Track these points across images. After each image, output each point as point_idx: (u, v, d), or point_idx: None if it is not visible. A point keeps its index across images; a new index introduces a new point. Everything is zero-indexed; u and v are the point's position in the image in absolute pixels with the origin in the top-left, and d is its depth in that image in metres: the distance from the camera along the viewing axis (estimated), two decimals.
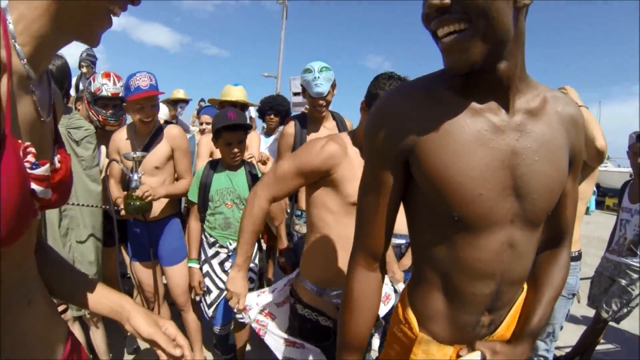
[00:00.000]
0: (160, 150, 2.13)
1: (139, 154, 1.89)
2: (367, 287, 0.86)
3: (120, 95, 2.20)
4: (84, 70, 3.81)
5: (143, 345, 2.62)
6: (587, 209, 2.38)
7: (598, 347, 2.97)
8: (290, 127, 2.28)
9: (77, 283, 0.78)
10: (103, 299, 0.77)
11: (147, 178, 2.02)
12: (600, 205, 13.71)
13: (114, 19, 0.59)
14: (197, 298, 2.16)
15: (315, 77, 2.12)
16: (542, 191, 0.76)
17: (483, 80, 0.71)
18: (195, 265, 2.12)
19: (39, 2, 0.52)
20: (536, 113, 0.76)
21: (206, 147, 2.49)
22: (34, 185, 0.52)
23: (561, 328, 2.12)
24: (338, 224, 1.35)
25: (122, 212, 1.97)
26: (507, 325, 0.88)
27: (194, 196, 2.06)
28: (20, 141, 0.50)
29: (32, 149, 0.52)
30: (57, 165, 0.64)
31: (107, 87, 2.19)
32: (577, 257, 2.05)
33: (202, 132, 3.28)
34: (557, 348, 2.91)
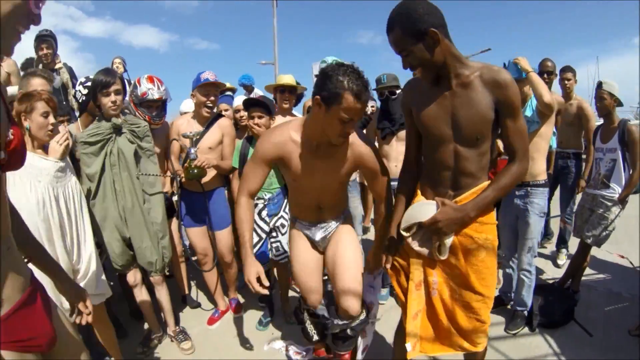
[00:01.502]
0: (214, 135, 2.70)
1: (195, 132, 2.52)
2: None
3: (163, 98, 2.67)
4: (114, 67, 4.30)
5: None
6: (550, 146, 2.86)
7: (589, 277, 3.43)
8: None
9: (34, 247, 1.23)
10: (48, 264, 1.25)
11: (201, 155, 2.56)
12: None
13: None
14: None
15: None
16: (466, 124, 1.43)
17: (435, 75, 1.46)
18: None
19: None
20: (466, 84, 1.42)
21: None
22: None
23: (538, 244, 2.61)
24: (294, 189, 1.93)
25: (183, 179, 2.55)
26: (464, 199, 1.49)
27: (235, 163, 2.69)
28: None
29: None
30: (11, 137, 0.93)
31: (153, 92, 2.58)
32: (544, 185, 2.55)
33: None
34: (553, 279, 3.36)
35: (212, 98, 2.62)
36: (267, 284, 1.63)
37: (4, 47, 0.86)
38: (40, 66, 3.64)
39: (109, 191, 2.23)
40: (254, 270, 1.64)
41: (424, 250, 1.54)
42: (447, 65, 1.41)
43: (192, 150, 2.47)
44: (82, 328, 2.08)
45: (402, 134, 2.64)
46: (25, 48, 3.90)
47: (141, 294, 2.47)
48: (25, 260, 1.16)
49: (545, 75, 3.07)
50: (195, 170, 2.45)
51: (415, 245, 1.55)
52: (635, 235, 4.73)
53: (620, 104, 2.95)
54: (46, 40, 3.68)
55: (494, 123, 1.43)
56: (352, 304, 1.85)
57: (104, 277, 2.11)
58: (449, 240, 1.49)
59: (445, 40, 1.38)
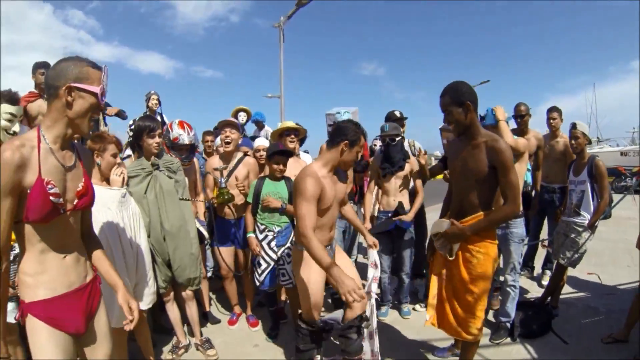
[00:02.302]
0: (241, 171, 3.23)
1: (223, 166, 3.14)
2: None
3: (192, 142, 3.07)
4: (151, 103, 4.77)
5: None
6: (525, 181, 3.37)
7: (569, 295, 3.84)
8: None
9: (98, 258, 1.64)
10: (106, 273, 1.63)
11: (232, 189, 3.10)
12: None
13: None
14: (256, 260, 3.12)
15: (341, 116, 3.42)
16: (469, 173, 2.13)
17: (461, 133, 2.17)
18: (253, 235, 3.09)
19: (59, 120, 1.36)
20: (475, 145, 2.11)
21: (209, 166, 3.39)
22: (52, 197, 1.30)
23: (520, 264, 3.05)
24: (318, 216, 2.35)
25: (215, 203, 3.09)
26: (465, 222, 2.16)
27: (250, 198, 3.09)
28: (44, 178, 1.29)
29: (51, 181, 1.31)
30: (80, 187, 1.43)
31: (183, 137, 2.97)
32: (520, 215, 3.00)
33: (207, 153, 4.46)
34: (536, 297, 3.76)
35: (228, 134, 3.14)
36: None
37: (84, 133, 1.42)
38: None
39: (154, 218, 2.61)
40: (351, 281, 1.89)
41: (442, 251, 2.29)
42: (470, 129, 2.14)
43: (222, 180, 3.00)
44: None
45: (400, 173, 3.34)
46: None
47: (173, 308, 2.85)
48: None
49: (519, 119, 3.58)
50: (226, 196, 2.94)
51: (437, 246, 2.31)
52: (619, 257, 5.17)
53: (590, 142, 3.42)
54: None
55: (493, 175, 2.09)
56: (357, 306, 2.35)
57: (154, 289, 2.54)
58: (455, 247, 2.23)
59: (473, 113, 2.11)
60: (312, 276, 2.37)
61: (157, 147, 2.65)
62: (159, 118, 3.87)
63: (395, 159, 3.32)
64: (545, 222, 4.31)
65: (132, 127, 2.93)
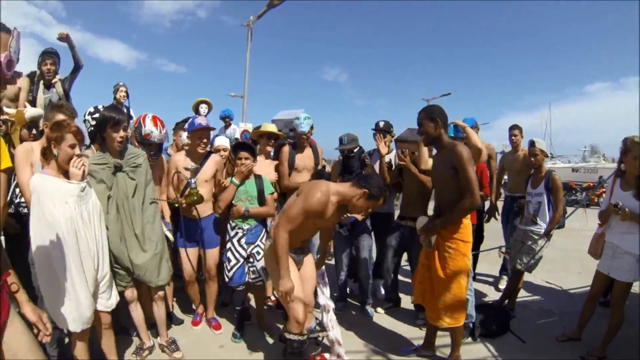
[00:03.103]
0: (209, 170, 3.14)
1: (194, 166, 2.93)
2: None
3: (163, 140, 3.00)
4: (119, 95, 4.60)
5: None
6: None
7: (525, 298, 4.07)
8: (287, 148, 3.60)
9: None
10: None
11: (200, 188, 2.93)
12: None
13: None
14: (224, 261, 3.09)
15: (301, 123, 3.45)
16: (439, 175, 2.59)
17: (430, 143, 2.64)
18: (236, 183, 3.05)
19: None
20: (443, 153, 2.56)
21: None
22: None
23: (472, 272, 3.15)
24: (303, 228, 2.44)
25: (184, 204, 2.90)
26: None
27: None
28: None
29: None
30: None
31: (154, 136, 2.88)
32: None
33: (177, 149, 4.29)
34: (494, 300, 3.95)
35: (205, 140, 3.10)
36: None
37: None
38: (42, 81, 3.85)
39: (113, 222, 2.46)
40: (290, 284, 2.31)
41: (424, 243, 2.67)
42: (439, 141, 2.56)
43: (193, 181, 2.86)
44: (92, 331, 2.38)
45: None
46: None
47: (137, 309, 2.71)
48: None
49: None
50: (195, 197, 2.84)
51: (421, 239, 2.69)
52: (570, 264, 5.54)
53: (547, 156, 3.68)
54: (51, 56, 3.88)
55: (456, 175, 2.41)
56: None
57: (115, 287, 2.44)
58: (433, 239, 2.60)
59: (441, 129, 2.53)
60: (293, 272, 2.45)
61: (120, 143, 2.50)
62: (125, 111, 3.68)
63: (353, 168, 3.48)
64: (499, 229, 4.59)
65: (94, 115, 2.76)
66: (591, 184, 13.85)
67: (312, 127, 3.51)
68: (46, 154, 2.11)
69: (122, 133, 2.48)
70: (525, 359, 2.90)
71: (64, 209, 2.06)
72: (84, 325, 2.14)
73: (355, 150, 3.48)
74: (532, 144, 3.61)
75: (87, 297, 2.13)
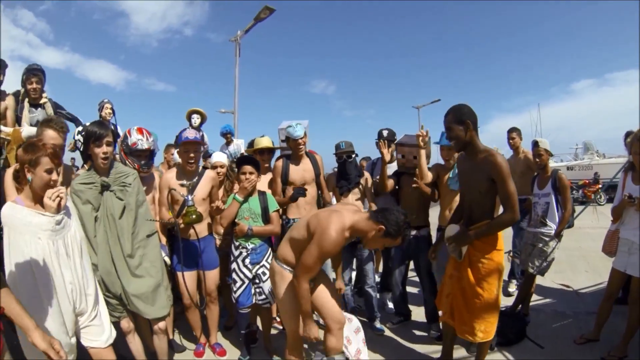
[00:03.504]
0: (205, 187, 2.96)
1: (191, 182, 2.78)
2: None
3: (151, 148, 2.86)
4: (105, 113, 4.42)
5: None
6: None
7: (537, 302, 3.99)
8: (279, 162, 3.39)
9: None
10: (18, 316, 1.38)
11: (197, 206, 2.73)
12: None
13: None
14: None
15: (294, 128, 3.24)
16: (473, 184, 2.39)
17: (462, 148, 2.38)
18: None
19: None
20: (477, 160, 2.32)
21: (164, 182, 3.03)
22: None
23: None
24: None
25: (181, 224, 2.67)
26: (473, 228, 2.39)
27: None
28: None
29: None
30: None
31: (142, 143, 2.75)
32: None
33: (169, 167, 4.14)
34: (505, 306, 3.87)
35: (192, 154, 2.87)
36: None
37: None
38: (27, 100, 3.64)
39: (101, 242, 2.28)
40: (315, 329, 2.28)
41: (453, 253, 2.52)
42: (470, 145, 2.34)
43: (190, 198, 2.65)
44: None
45: (356, 190, 3.41)
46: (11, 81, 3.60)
47: (134, 341, 2.48)
48: None
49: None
50: (194, 216, 2.61)
51: (450, 249, 2.53)
52: (576, 264, 5.49)
53: (551, 155, 3.64)
54: (36, 74, 3.65)
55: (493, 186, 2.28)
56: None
57: (109, 319, 2.20)
58: (464, 249, 2.45)
59: (473, 131, 2.31)
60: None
61: (104, 160, 2.31)
62: (111, 128, 3.39)
63: (351, 175, 3.39)
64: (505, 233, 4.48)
65: (83, 133, 2.65)
66: (586, 181, 13.91)
67: (306, 134, 3.33)
68: (19, 178, 1.90)
69: (104, 148, 2.29)
70: None
71: (36, 246, 1.83)
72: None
73: (353, 156, 3.41)
74: (535, 144, 3.57)
75: (59, 335, 1.85)
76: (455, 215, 2.71)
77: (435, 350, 3.05)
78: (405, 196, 3.42)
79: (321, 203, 3.58)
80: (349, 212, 2.27)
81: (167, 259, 2.83)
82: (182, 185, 2.76)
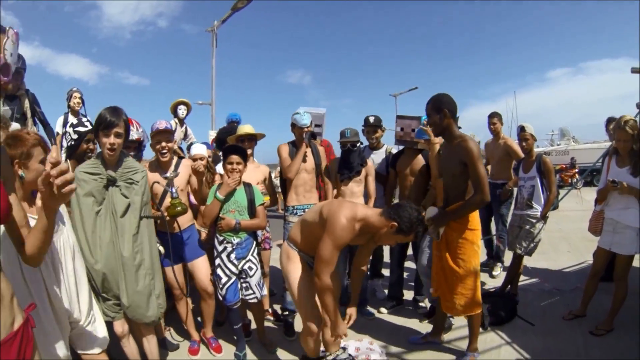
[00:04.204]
0: (184, 177, 2.88)
1: (173, 174, 2.70)
2: None
3: (141, 139, 2.77)
4: (73, 103, 4.20)
5: None
6: None
7: (524, 282, 4.11)
8: (286, 145, 3.36)
9: None
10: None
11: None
12: None
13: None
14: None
15: (302, 116, 3.20)
16: (448, 168, 2.55)
17: (440, 134, 2.56)
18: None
19: None
20: (452, 145, 2.48)
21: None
22: None
23: None
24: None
25: (167, 216, 2.59)
26: (449, 209, 2.55)
27: (210, 199, 2.81)
28: None
29: None
30: None
31: (132, 133, 2.64)
32: None
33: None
34: (494, 287, 3.98)
35: (164, 144, 2.75)
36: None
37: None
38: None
39: (104, 240, 2.16)
40: (344, 326, 2.28)
41: (432, 235, 2.65)
42: (446, 132, 2.51)
43: (174, 189, 2.60)
44: None
45: (357, 178, 3.39)
46: None
47: (129, 344, 2.36)
48: None
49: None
50: (179, 208, 2.57)
51: (429, 231, 2.63)
52: (558, 245, 5.69)
53: (536, 139, 3.75)
54: (17, 72, 3.35)
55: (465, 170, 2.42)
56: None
57: (103, 324, 2.09)
58: (441, 230, 2.58)
59: (450, 119, 2.46)
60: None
61: (111, 151, 2.16)
62: (83, 119, 3.22)
63: (353, 164, 3.39)
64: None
65: (77, 128, 2.58)
66: (563, 166, 14.36)
67: (311, 123, 3.34)
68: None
69: (112, 139, 2.13)
70: (538, 340, 2.91)
71: None
72: None
73: (358, 145, 3.41)
74: (522, 129, 3.66)
75: (55, 344, 1.74)
76: (430, 198, 2.90)
77: (424, 327, 3.20)
78: (400, 184, 3.47)
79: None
80: (362, 206, 2.29)
81: (161, 249, 2.72)
82: (165, 177, 2.66)
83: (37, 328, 1.59)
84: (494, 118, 4.59)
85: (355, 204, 2.26)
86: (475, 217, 2.55)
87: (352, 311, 2.44)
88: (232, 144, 3.04)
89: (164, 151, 2.77)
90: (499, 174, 4.47)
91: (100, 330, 2.04)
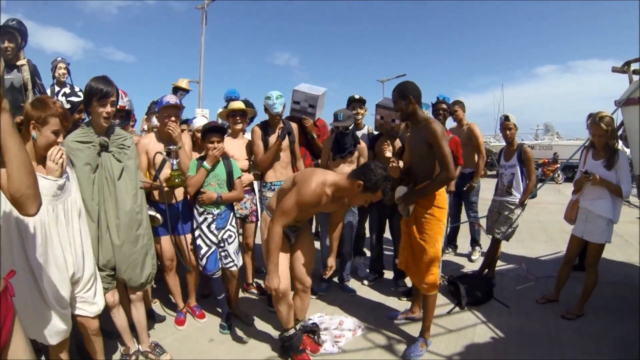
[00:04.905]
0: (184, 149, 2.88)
1: (176, 146, 2.77)
2: None
3: (126, 108, 2.81)
4: (58, 73, 4.10)
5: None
6: None
7: (502, 267, 4.25)
8: (256, 127, 3.39)
9: None
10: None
11: (168, 169, 2.77)
12: None
13: None
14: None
15: (274, 103, 3.25)
16: (415, 150, 2.68)
17: (406, 119, 2.68)
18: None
19: None
20: (418, 128, 2.60)
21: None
22: None
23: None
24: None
25: (165, 187, 2.72)
26: (417, 188, 2.65)
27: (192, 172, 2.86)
28: None
29: None
30: None
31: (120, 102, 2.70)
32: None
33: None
34: (472, 271, 4.09)
35: (173, 119, 2.82)
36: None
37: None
38: (2, 60, 3.18)
39: (97, 205, 2.19)
40: (277, 281, 2.33)
41: (402, 213, 2.73)
42: (412, 116, 2.64)
43: (174, 162, 2.73)
44: (74, 337, 2.20)
45: (349, 159, 3.49)
46: None
47: (119, 314, 2.43)
48: None
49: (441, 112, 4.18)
50: (177, 180, 2.70)
51: (399, 209, 2.74)
52: (536, 234, 5.85)
53: (517, 129, 3.83)
54: (8, 32, 3.34)
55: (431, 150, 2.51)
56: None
57: (102, 290, 2.15)
58: (410, 208, 2.68)
59: (415, 104, 2.59)
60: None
61: (107, 120, 2.21)
62: (75, 89, 3.11)
63: (346, 145, 3.44)
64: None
65: (69, 97, 2.59)
66: (546, 160, 14.67)
67: (284, 107, 3.36)
68: (20, 132, 1.69)
69: (109, 108, 2.19)
70: (513, 321, 3.04)
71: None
72: (59, 338, 1.88)
73: (350, 128, 3.44)
74: (506, 118, 3.74)
75: (58, 310, 1.84)
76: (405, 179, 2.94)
77: (404, 305, 3.31)
78: (380, 160, 3.51)
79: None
80: (333, 173, 2.42)
81: (159, 216, 2.75)
82: (167, 150, 2.74)
83: (35, 296, 1.72)
84: (455, 106, 4.69)
85: (326, 171, 2.41)
86: (442, 196, 2.64)
87: (331, 262, 2.72)
88: (210, 124, 3.03)
89: (173, 125, 2.80)
90: (465, 161, 4.46)
91: (99, 297, 2.12)
